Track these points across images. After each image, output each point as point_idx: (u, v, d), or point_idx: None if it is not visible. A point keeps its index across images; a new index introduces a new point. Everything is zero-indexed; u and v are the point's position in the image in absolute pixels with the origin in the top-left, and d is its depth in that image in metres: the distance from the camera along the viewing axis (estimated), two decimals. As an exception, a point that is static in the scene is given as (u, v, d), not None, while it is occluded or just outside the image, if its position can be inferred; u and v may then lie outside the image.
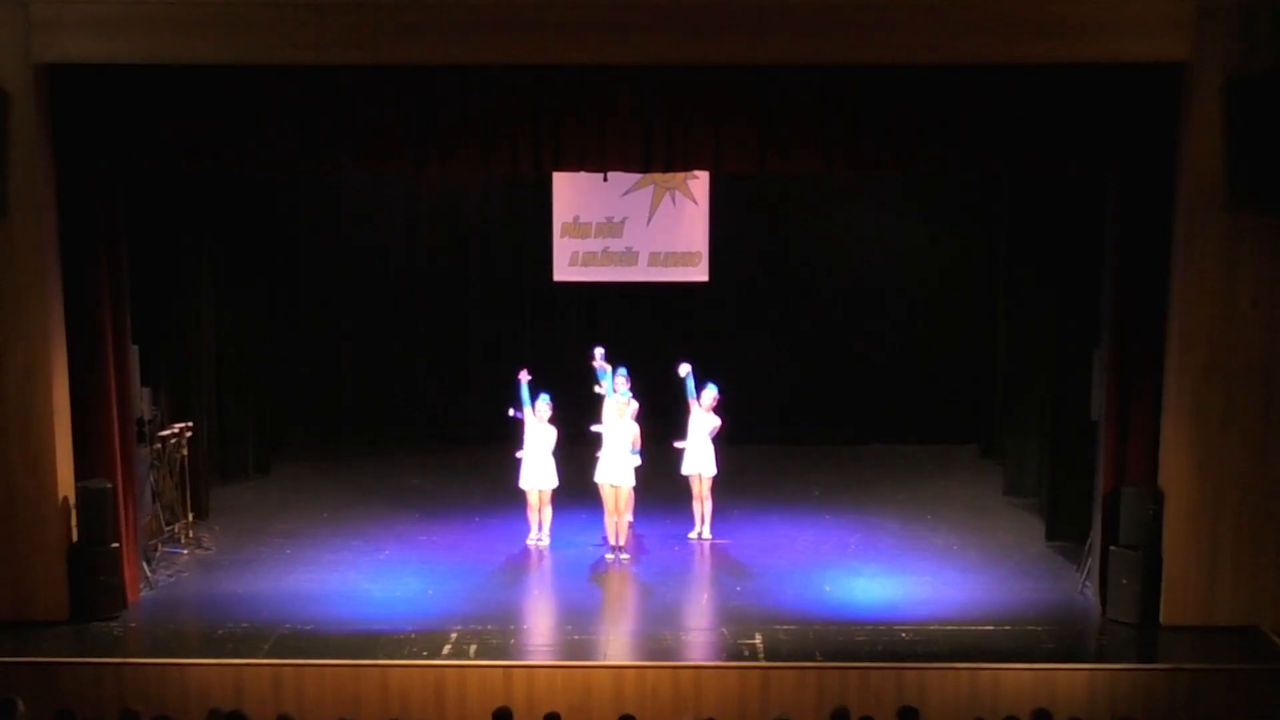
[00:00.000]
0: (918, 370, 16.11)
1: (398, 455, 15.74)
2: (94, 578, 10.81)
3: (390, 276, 16.12)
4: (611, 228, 15.39)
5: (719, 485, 12.93)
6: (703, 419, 12.64)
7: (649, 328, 15.93)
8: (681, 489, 12.96)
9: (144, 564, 11.57)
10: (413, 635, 10.44)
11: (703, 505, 12.78)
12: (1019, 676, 9.87)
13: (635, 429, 12.51)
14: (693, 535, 12.82)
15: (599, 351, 13.19)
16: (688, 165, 12.03)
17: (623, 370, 12.68)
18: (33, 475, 10.72)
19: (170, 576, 11.91)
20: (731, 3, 10.26)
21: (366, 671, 9.90)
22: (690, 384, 12.53)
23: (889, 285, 16.09)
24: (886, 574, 11.92)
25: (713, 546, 12.73)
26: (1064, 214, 12.51)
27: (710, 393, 12.62)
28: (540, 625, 11.12)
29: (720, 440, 12.79)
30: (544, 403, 12.41)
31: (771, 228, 16.03)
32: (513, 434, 12.63)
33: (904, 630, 10.61)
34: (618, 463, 12.26)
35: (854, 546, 12.72)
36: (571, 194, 15.27)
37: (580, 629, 10.87)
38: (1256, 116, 10.02)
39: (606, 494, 12.29)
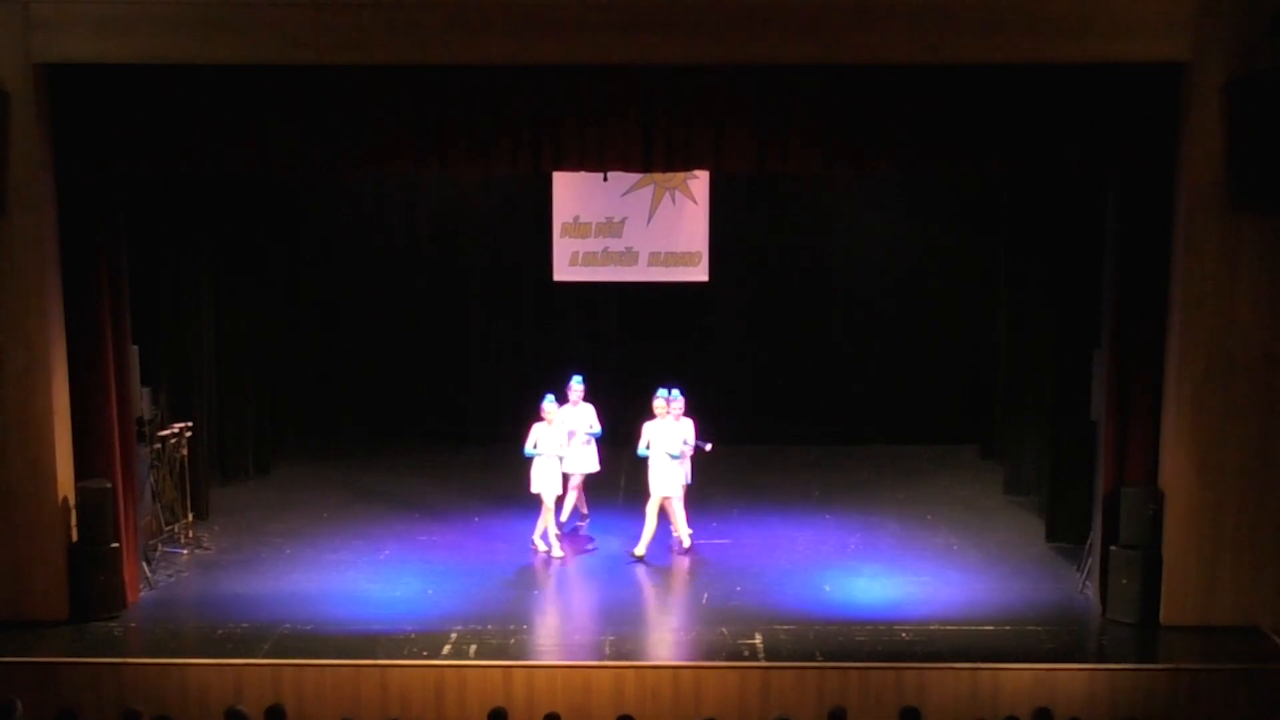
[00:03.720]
0: (918, 370, 16.10)
1: (398, 455, 15.73)
2: (94, 578, 10.81)
3: (390, 276, 16.11)
4: (611, 227, 15.38)
5: (714, 487, 12.89)
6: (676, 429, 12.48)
7: (649, 328, 15.93)
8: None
9: (144, 564, 11.57)
10: (413, 635, 10.45)
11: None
12: (1019, 676, 9.87)
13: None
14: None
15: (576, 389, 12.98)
16: (688, 165, 12.04)
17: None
18: (33, 475, 10.72)
19: (170, 576, 11.91)
20: (731, 3, 10.26)
21: (366, 671, 9.89)
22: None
23: (889, 285, 16.08)
24: (886, 574, 11.92)
25: (712, 547, 12.72)
26: (1064, 214, 12.52)
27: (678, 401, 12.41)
28: (540, 625, 11.12)
29: (719, 440, 12.75)
30: (550, 403, 12.41)
31: (771, 228, 16.02)
32: (513, 434, 12.60)
33: (904, 630, 10.61)
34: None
35: (854, 546, 12.72)
36: (571, 194, 15.26)
37: (580, 629, 10.88)
38: (1257, 116, 10.02)
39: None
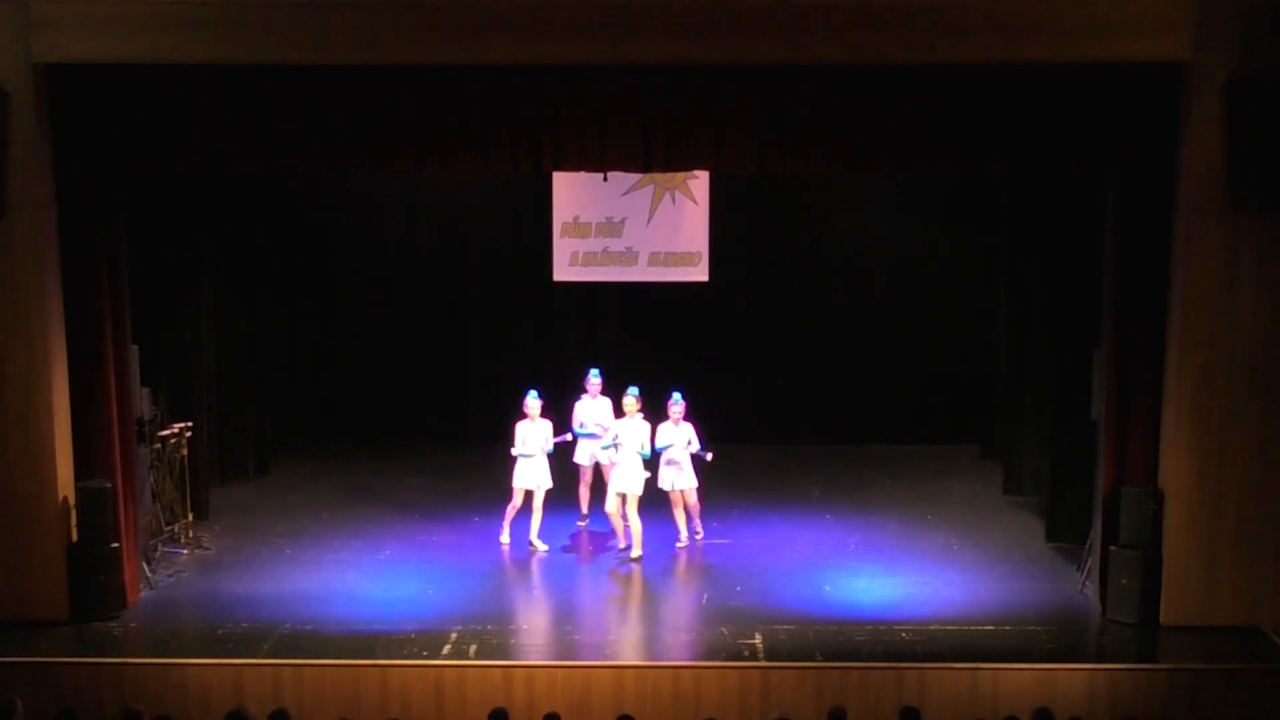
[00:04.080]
0: (918, 370, 16.11)
1: (398, 455, 15.73)
2: (94, 578, 10.81)
3: (390, 276, 16.12)
4: (611, 228, 15.38)
5: (714, 487, 12.85)
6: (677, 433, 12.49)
7: (649, 328, 15.93)
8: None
9: (144, 564, 11.57)
10: (413, 635, 10.44)
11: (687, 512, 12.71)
12: (1019, 676, 9.87)
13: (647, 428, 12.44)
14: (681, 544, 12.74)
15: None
16: (688, 165, 12.04)
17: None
18: (33, 475, 10.72)
19: (170, 576, 11.91)
20: (731, 4, 10.26)
21: (366, 671, 9.90)
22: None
23: (889, 285, 16.09)
24: (886, 574, 11.92)
25: (712, 547, 12.72)
26: (1064, 214, 12.52)
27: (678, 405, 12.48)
28: (540, 625, 11.13)
29: (720, 441, 12.74)
30: (533, 398, 12.43)
31: (771, 228, 16.02)
32: (509, 434, 12.59)
33: (904, 630, 10.61)
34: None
35: (854, 546, 12.72)
36: (571, 194, 15.26)
37: (580, 629, 10.88)
38: (1257, 117, 10.02)
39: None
